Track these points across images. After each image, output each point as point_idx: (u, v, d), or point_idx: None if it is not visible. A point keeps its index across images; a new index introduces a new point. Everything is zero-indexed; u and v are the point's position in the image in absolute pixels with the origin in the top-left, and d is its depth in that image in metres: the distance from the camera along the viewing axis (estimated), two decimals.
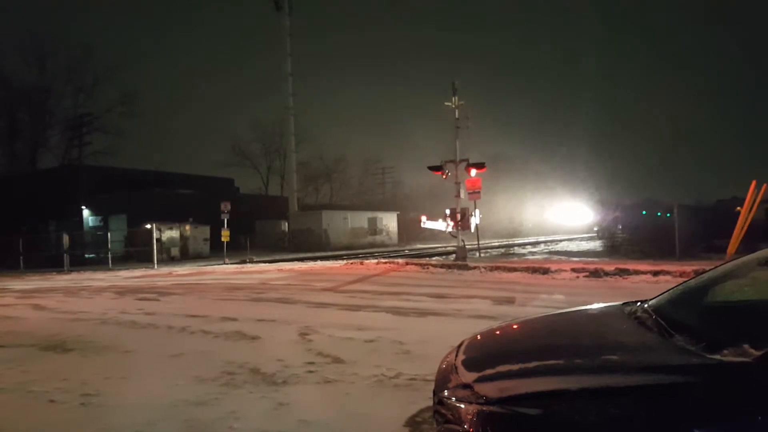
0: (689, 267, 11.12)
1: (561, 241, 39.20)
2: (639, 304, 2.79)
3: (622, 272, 11.48)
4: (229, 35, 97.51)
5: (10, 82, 36.11)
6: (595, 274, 11.73)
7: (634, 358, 2.04)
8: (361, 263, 17.60)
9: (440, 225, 18.72)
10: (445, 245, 30.11)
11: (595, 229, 55.02)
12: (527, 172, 52.80)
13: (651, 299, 2.81)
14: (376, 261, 17.92)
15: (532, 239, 43.32)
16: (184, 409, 3.91)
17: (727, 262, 2.98)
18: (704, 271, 3.04)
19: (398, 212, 44.94)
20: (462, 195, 17.62)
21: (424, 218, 19.62)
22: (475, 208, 17.77)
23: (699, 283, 2.84)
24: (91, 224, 35.33)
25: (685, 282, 3.01)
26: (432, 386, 2.46)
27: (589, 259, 17.31)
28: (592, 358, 2.13)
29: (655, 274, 10.92)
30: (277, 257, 26.41)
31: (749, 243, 11.31)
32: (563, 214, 47.07)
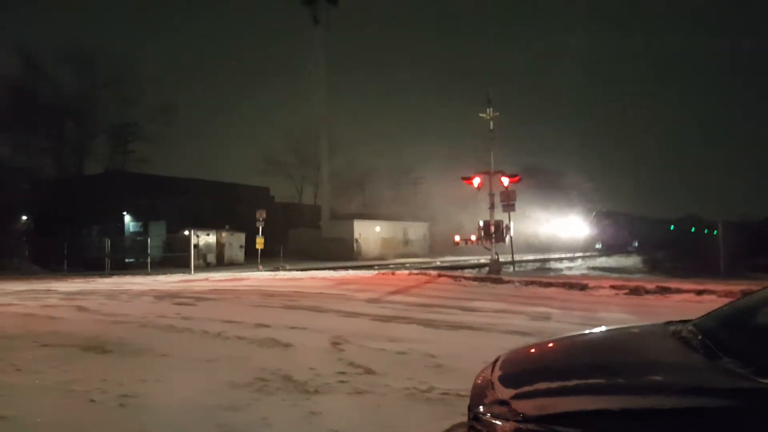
0: (736, 286, 10.65)
1: (599, 256, 38.27)
2: (684, 323, 2.69)
3: (664, 290, 11.10)
4: (267, 46, 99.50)
5: (60, 91, 37.82)
6: (636, 291, 11.37)
7: (679, 379, 1.97)
8: (393, 274, 17.58)
9: (474, 240, 18.68)
10: (477, 258, 29.80)
11: (597, 246, 51.03)
12: (563, 185, 51.73)
13: (696, 319, 2.71)
14: (407, 272, 17.86)
15: (568, 254, 42.41)
16: (218, 414, 3.97)
17: None
18: (752, 291, 2.92)
19: (429, 223, 44.77)
20: (496, 207, 17.45)
21: (457, 237, 19.93)
22: (510, 221, 17.56)
23: (748, 304, 2.73)
24: (131, 229, 36.46)
25: (732, 302, 2.90)
26: (465, 401, 2.42)
27: (629, 275, 16.84)
28: (635, 377, 2.06)
29: (699, 293, 10.51)
30: (310, 265, 26.66)
31: None
32: (571, 229, 44.50)
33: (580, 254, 40.90)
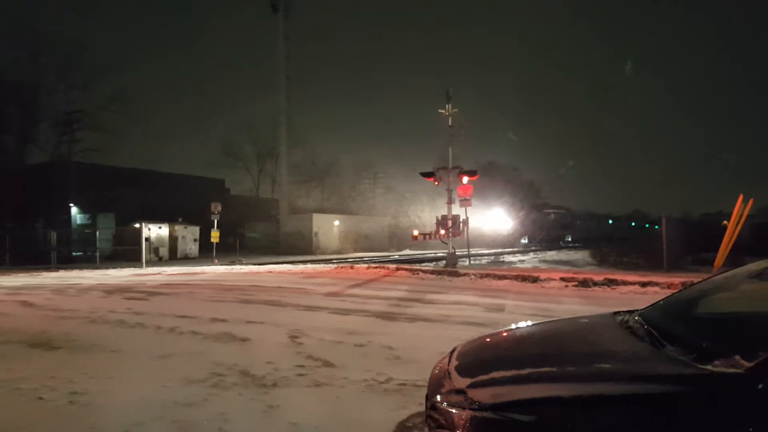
0: (677, 279, 11.24)
1: (549, 250, 39.38)
2: (630, 313, 2.83)
3: (611, 282, 11.58)
4: (226, 37, 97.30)
5: (1, 75, 35.58)
6: (584, 283, 11.81)
7: (627, 367, 2.07)
8: (351, 267, 17.58)
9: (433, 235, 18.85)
10: (435, 252, 30.19)
11: (523, 240, 50.25)
12: (518, 182, 52.59)
13: (642, 309, 2.85)
14: (366, 266, 17.90)
15: (521, 248, 43.46)
16: (173, 410, 3.89)
17: (716, 275, 3.03)
18: (692, 283, 3.09)
19: (389, 218, 44.95)
20: (454, 202, 17.69)
21: (416, 231, 20.04)
22: (466, 216, 17.85)
23: (690, 295, 2.89)
24: (79, 222, 34.91)
25: (675, 293, 3.06)
26: (423, 392, 2.47)
27: (578, 268, 17.45)
28: (585, 366, 2.15)
29: (644, 285, 11.02)
30: (267, 260, 26.30)
31: (735, 257, 11.46)
32: (493, 222, 43.07)
33: (501, 250, 39.50)
